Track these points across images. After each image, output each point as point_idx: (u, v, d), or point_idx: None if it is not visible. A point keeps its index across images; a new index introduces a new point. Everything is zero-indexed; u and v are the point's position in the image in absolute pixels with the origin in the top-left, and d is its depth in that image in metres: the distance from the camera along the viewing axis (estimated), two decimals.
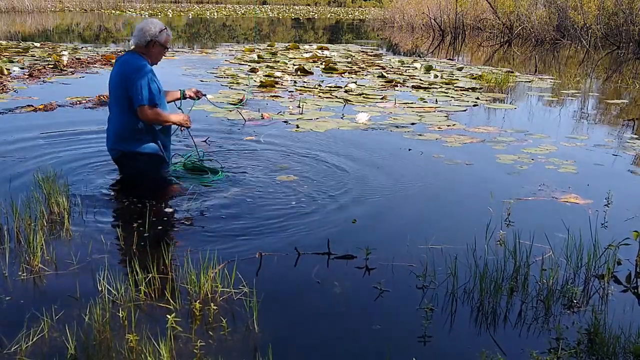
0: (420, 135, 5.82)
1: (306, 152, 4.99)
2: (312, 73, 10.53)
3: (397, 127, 6.18)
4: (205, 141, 5.13)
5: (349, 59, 13.29)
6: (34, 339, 2.18)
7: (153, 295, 2.53)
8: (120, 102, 3.73)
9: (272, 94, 8.05)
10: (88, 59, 11.50)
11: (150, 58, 3.79)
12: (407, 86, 9.26)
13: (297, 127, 5.99)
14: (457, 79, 10.22)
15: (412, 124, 6.36)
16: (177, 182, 4.02)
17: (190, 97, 4.22)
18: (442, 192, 4.18)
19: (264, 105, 7.13)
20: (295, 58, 13.11)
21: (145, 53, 3.77)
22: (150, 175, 3.91)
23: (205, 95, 4.36)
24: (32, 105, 6.55)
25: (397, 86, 9.24)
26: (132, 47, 3.85)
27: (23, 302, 2.47)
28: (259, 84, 8.82)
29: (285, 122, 6.24)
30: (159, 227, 3.30)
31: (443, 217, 3.70)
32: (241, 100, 4.35)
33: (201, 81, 9.13)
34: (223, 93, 8.00)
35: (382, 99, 7.93)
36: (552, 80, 10.74)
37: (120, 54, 12.38)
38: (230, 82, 9.04)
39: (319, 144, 5.30)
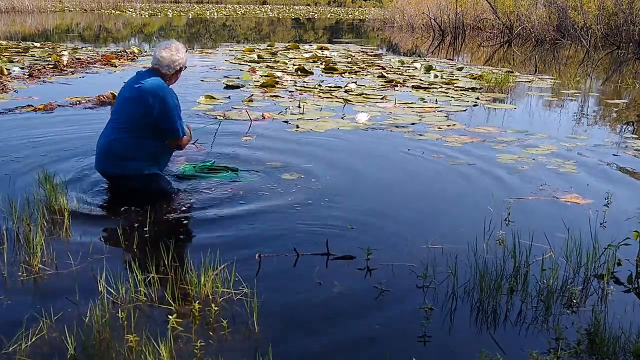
0: (420, 135, 5.81)
1: (306, 152, 4.98)
2: (312, 73, 10.53)
3: (397, 127, 6.18)
4: (194, 143, 5.07)
5: (349, 59, 13.29)
6: (34, 339, 2.18)
7: (153, 296, 2.53)
8: (133, 123, 3.58)
9: (272, 94, 8.05)
10: (88, 59, 11.49)
11: (172, 81, 3.79)
12: (407, 86, 9.26)
13: (297, 127, 5.99)
14: (457, 79, 10.21)
15: (412, 124, 6.36)
16: (179, 183, 4.01)
17: None
18: (443, 192, 4.17)
19: (265, 105, 7.13)
20: (295, 58, 13.11)
21: (170, 78, 3.74)
22: (153, 191, 3.74)
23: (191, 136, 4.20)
24: (32, 105, 6.55)
25: (397, 86, 9.23)
26: (154, 68, 3.69)
27: (22, 302, 2.47)
28: (259, 84, 8.83)
29: (285, 122, 6.24)
30: (159, 228, 3.30)
31: (443, 217, 3.70)
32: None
33: (202, 80, 9.14)
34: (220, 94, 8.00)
35: (382, 99, 7.93)
36: (552, 80, 10.74)
37: (122, 53, 12.43)
38: (231, 85, 9.04)
39: (319, 144, 5.30)
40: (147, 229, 3.23)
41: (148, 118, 3.57)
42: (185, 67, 3.85)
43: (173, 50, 3.68)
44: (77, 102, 6.95)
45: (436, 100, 7.91)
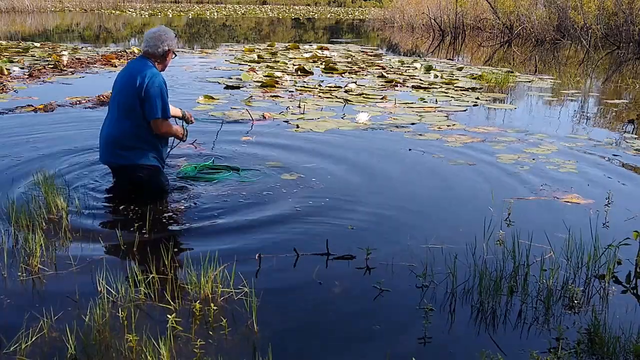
0: (420, 135, 5.81)
1: (306, 152, 4.98)
2: (312, 73, 10.53)
3: (397, 127, 6.18)
4: (193, 143, 5.02)
5: (349, 59, 13.29)
6: (34, 339, 2.18)
7: (153, 296, 2.53)
8: (128, 110, 3.60)
9: (272, 94, 8.05)
10: (88, 59, 11.50)
11: (163, 65, 3.80)
12: (407, 86, 9.26)
13: (297, 127, 5.99)
14: (457, 79, 10.21)
15: (412, 124, 6.36)
16: (179, 184, 4.01)
17: (187, 121, 4.11)
18: (443, 192, 4.17)
19: (265, 105, 7.13)
20: (295, 58, 13.11)
21: (159, 61, 3.76)
22: (151, 186, 3.76)
23: (193, 122, 4.24)
24: (32, 105, 6.55)
25: (397, 86, 9.23)
26: (143, 52, 3.72)
27: (22, 303, 2.47)
28: (259, 85, 8.83)
29: (285, 121, 6.24)
30: (159, 228, 3.30)
31: (443, 216, 3.70)
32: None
33: (202, 80, 9.14)
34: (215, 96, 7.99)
35: (382, 99, 7.93)
36: (552, 80, 10.74)
37: (122, 53, 12.44)
38: (231, 85, 9.04)
39: (319, 144, 5.30)
40: (147, 229, 3.23)
41: (140, 101, 3.57)
42: (176, 55, 3.87)
43: (161, 32, 3.74)
44: (77, 102, 6.95)
45: (436, 100, 7.91)
